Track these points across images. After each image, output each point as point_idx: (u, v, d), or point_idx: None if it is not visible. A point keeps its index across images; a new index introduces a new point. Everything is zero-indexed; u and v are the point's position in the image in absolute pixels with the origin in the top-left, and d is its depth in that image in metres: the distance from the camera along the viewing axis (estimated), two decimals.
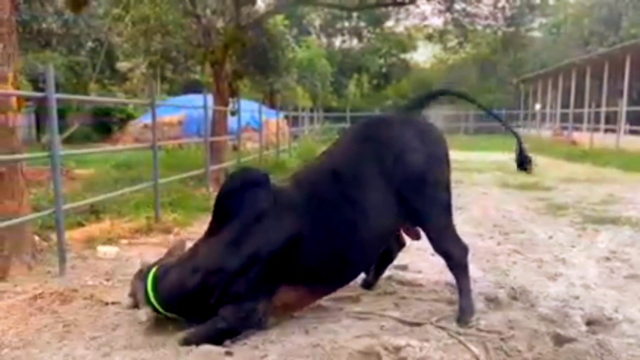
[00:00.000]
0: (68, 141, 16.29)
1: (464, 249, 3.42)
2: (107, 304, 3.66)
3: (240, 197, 3.18)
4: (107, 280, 4.23)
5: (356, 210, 3.18)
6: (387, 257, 3.90)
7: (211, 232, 3.27)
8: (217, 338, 2.98)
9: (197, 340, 2.95)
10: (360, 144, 3.35)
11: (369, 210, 3.19)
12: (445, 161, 3.43)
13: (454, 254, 3.38)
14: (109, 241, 5.38)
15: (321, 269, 3.19)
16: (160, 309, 3.16)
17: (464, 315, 3.29)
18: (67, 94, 13.17)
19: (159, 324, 3.26)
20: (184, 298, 3.13)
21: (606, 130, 19.87)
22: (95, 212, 6.39)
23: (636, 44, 19.01)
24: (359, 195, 3.20)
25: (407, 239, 3.87)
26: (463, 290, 3.38)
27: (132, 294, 3.33)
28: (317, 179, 3.33)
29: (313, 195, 3.23)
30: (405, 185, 3.24)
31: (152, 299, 3.15)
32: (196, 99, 11.50)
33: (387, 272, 4.02)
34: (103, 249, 5.00)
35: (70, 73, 22.52)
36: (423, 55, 40.89)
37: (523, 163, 3.65)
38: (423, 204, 3.30)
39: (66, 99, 16.74)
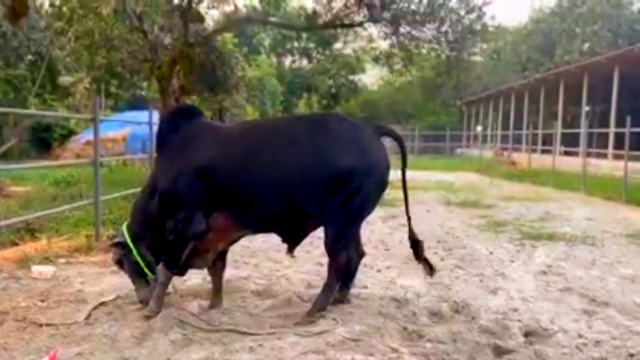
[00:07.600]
0: (4, 157, 15.56)
1: (348, 259, 3.64)
2: (41, 325, 3.49)
3: (173, 126, 3.75)
4: (42, 301, 4.03)
5: (267, 164, 3.45)
6: (350, 271, 3.89)
7: (156, 160, 3.92)
8: (173, 253, 3.53)
9: (165, 264, 3.55)
10: (305, 122, 3.78)
11: (276, 169, 3.44)
12: (371, 173, 3.54)
13: (338, 259, 3.58)
14: (45, 260, 5.13)
15: (236, 200, 3.50)
16: (136, 253, 3.68)
17: (312, 309, 3.59)
18: (3, 108, 12.60)
19: (96, 344, 3.13)
20: (148, 222, 3.65)
21: (543, 151, 20.82)
22: (30, 231, 6.10)
23: (569, 70, 20.14)
24: (276, 154, 3.47)
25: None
26: (325, 289, 3.64)
27: (116, 260, 3.81)
28: (254, 128, 3.92)
29: (241, 138, 3.65)
30: (317, 173, 3.40)
31: (131, 245, 3.68)
32: (141, 115, 11.27)
33: None
34: (38, 269, 4.75)
35: (8, 86, 21.52)
36: (371, 77, 41.69)
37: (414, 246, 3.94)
38: (323, 201, 3.43)
39: (3, 113, 16.01)
